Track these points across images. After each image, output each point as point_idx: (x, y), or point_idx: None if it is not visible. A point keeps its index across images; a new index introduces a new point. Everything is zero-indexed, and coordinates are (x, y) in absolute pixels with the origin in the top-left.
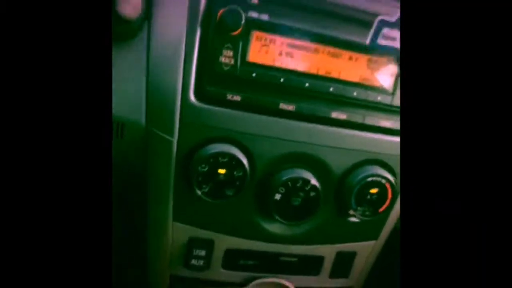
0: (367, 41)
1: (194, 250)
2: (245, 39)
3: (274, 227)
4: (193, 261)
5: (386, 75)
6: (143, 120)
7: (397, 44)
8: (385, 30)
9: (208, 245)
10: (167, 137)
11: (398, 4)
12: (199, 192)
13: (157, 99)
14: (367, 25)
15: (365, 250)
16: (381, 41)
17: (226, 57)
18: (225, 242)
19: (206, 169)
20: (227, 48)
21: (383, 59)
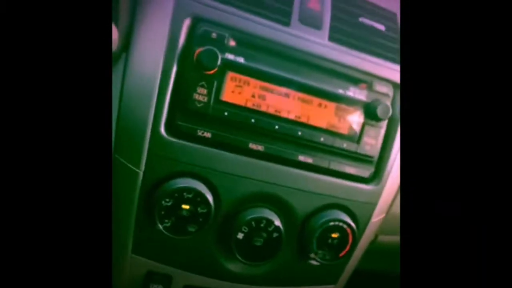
0: (337, 91)
1: (151, 285)
2: (220, 79)
3: (235, 266)
4: None
5: (353, 124)
6: (111, 149)
7: (364, 98)
8: (357, 83)
9: (166, 280)
10: (134, 168)
11: (370, 57)
12: (160, 227)
13: (126, 129)
14: (338, 75)
15: None
16: (350, 93)
17: (200, 95)
18: (183, 278)
19: (170, 203)
20: (202, 86)
21: (351, 109)
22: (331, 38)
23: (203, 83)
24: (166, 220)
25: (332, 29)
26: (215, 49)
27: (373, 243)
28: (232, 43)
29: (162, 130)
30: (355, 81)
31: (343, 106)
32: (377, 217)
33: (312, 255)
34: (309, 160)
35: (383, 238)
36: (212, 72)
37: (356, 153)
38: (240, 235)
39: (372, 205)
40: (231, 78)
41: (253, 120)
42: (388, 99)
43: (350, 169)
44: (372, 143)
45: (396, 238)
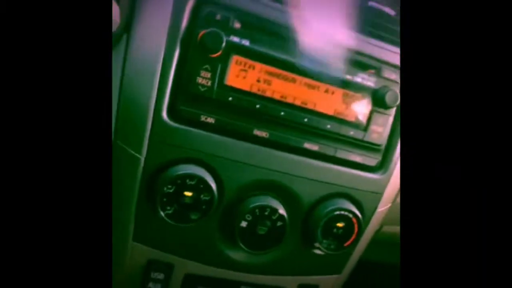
0: (345, 77)
1: (152, 273)
2: (224, 62)
3: (237, 255)
4: (150, 285)
5: (360, 111)
6: (111, 134)
7: (372, 84)
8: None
9: (168, 268)
10: (135, 153)
11: (379, 43)
12: (162, 214)
13: (128, 113)
14: (347, 61)
15: (328, 284)
16: (358, 79)
17: (204, 79)
18: (185, 267)
19: (172, 190)
20: (205, 69)
21: (358, 95)
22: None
23: (207, 66)
24: (168, 207)
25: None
26: (220, 31)
27: (378, 233)
28: (237, 25)
29: (164, 114)
30: (364, 67)
31: (350, 92)
32: (383, 207)
33: (317, 245)
34: (315, 147)
35: (388, 229)
36: (216, 55)
37: (363, 141)
38: (243, 223)
39: (378, 194)
40: (236, 62)
41: (258, 106)
42: (397, 86)
43: (357, 158)
44: (379, 131)
45: None
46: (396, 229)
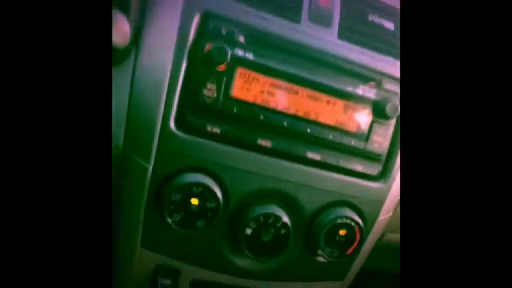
0: (346, 88)
1: (160, 279)
2: (230, 74)
3: (242, 261)
4: None
5: (361, 122)
6: (120, 144)
7: (373, 96)
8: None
9: (174, 274)
10: (143, 163)
11: (379, 56)
12: (169, 221)
13: (137, 124)
14: (348, 73)
15: None
16: (359, 90)
17: (210, 90)
18: (191, 272)
19: (179, 198)
20: (211, 81)
21: (359, 106)
22: (341, 36)
23: (213, 78)
24: (175, 215)
25: (342, 27)
26: (225, 44)
27: (380, 241)
28: (242, 39)
29: (172, 125)
30: (364, 79)
31: (351, 103)
32: (384, 215)
33: (320, 252)
34: (317, 157)
35: (390, 236)
36: (222, 68)
37: (364, 150)
38: (248, 231)
39: (380, 203)
40: (240, 74)
41: (262, 117)
42: (397, 97)
43: (358, 167)
44: (380, 141)
45: None
46: (398, 237)
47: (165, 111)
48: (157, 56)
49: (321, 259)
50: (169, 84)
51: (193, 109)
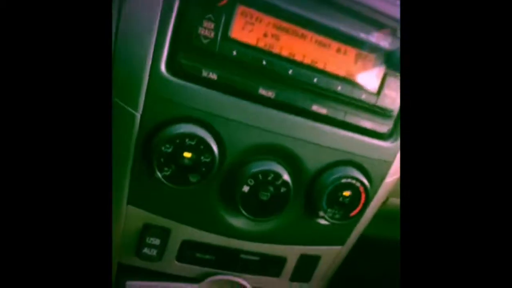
0: (360, 35)
1: (147, 238)
2: (229, 12)
3: (238, 222)
4: (145, 250)
5: (373, 74)
6: None
7: (387, 45)
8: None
9: (164, 233)
10: (130, 109)
11: (397, 2)
12: (159, 175)
13: (123, 67)
14: (362, 18)
15: (330, 255)
16: (373, 38)
17: (206, 29)
18: (182, 232)
19: (170, 150)
20: (209, 19)
21: (373, 57)
22: None
23: (210, 15)
24: (166, 169)
25: None
26: None
27: (383, 205)
28: None
29: (163, 67)
30: (379, 26)
31: (364, 52)
32: (391, 177)
33: (321, 214)
34: (323, 110)
35: (394, 201)
36: (221, 4)
37: (375, 105)
38: (245, 188)
39: (388, 163)
40: (242, 13)
41: (264, 62)
42: None
43: (367, 123)
44: (393, 96)
45: None
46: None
47: (155, 52)
48: None
49: (322, 221)
50: (160, 20)
51: (187, 51)
